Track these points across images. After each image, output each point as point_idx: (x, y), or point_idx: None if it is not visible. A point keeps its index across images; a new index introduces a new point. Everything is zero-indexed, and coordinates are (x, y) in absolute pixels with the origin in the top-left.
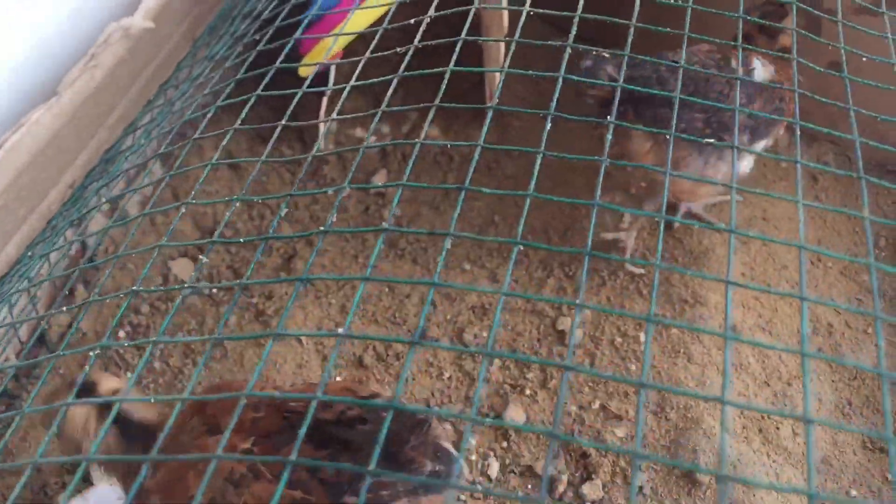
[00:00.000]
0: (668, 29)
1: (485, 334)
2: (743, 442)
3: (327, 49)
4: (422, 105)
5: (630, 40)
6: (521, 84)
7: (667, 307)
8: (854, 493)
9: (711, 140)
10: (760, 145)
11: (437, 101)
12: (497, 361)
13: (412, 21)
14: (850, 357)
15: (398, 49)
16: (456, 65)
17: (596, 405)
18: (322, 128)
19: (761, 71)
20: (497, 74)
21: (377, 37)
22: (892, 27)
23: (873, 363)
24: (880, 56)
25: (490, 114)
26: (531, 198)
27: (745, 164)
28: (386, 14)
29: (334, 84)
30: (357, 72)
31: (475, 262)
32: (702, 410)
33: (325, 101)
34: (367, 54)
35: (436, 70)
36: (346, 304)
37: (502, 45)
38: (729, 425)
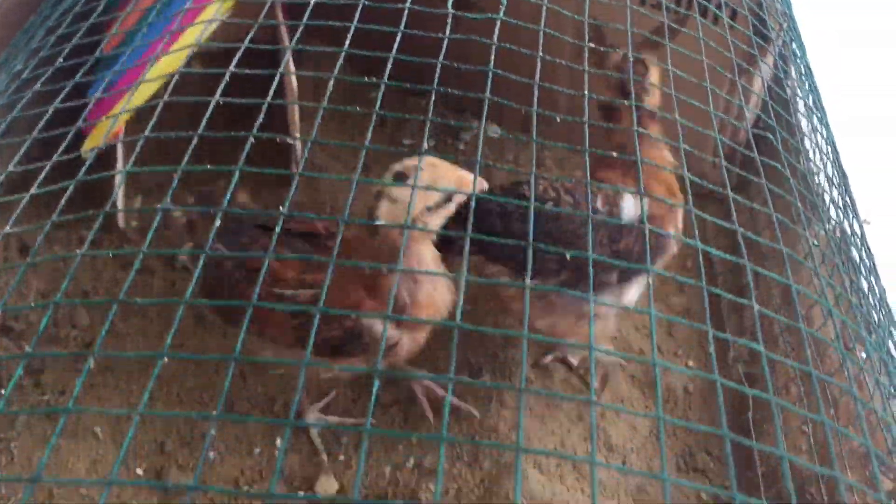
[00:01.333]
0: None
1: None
2: (557, 480)
3: (107, 130)
4: (220, 167)
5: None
6: (327, 128)
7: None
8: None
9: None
10: (632, 290)
11: (240, 164)
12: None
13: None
14: (661, 378)
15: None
16: (263, 127)
17: (410, 463)
18: (120, 204)
19: (631, 209)
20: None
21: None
22: None
23: (683, 384)
24: None
25: (296, 179)
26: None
27: (630, 297)
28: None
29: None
30: (136, 150)
31: None
32: (514, 454)
33: (117, 179)
34: (148, 133)
35: (239, 134)
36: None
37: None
38: (543, 465)
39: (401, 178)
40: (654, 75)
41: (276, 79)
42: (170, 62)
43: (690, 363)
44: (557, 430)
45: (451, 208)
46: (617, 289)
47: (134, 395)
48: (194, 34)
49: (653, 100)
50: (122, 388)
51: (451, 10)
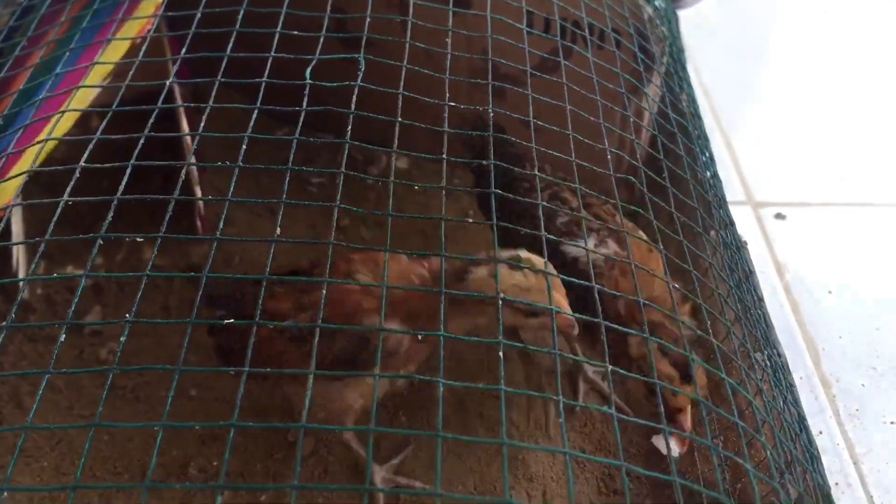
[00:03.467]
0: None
1: (215, 463)
2: None
3: None
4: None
5: None
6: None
7: None
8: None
9: None
10: None
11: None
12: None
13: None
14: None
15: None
16: (165, 183)
17: None
18: (21, 272)
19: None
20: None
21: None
22: None
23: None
24: None
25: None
26: None
27: None
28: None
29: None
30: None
31: (200, 386)
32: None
33: (14, 250)
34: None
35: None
36: (62, 465)
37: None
38: None
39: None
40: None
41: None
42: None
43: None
44: (476, 467)
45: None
46: None
47: (47, 472)
48: (84, 93)
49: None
50: (32, 466)
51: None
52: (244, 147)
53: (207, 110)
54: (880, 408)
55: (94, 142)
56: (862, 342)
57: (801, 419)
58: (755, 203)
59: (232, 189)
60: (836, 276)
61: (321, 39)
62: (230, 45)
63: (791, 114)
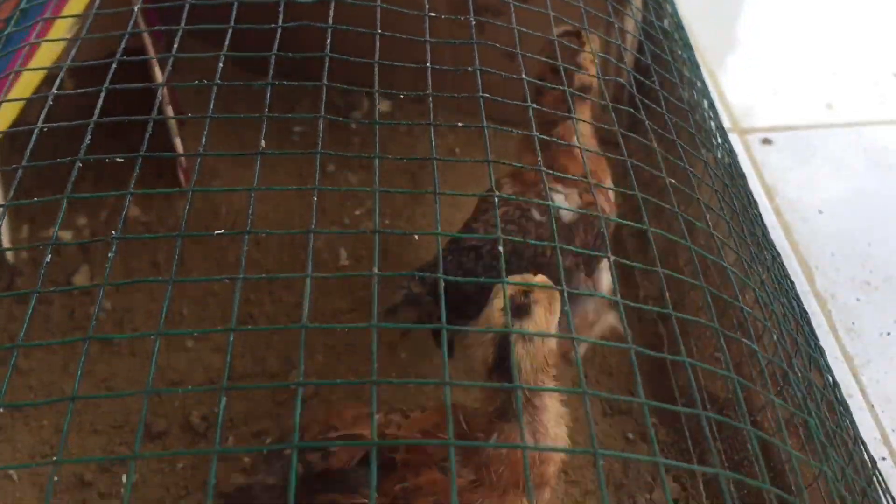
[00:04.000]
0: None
1: (215, 411)
2: None
3: None
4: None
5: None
6: (222, 133)
7: None
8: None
9: None
10: (603, 276)
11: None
12: (234, 434)
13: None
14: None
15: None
16: (147, 141)
17: None
18: (5, 238)
19: (566, 205)
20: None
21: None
22: None
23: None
24: None
25: (190, 195)
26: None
27: (606, 282)
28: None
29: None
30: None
31: (198, 338)
32: None
33: None
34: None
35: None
36: (61, 423)
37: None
38: None
39: (521, 311)
40: (587, 53)
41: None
42: (28, 81)
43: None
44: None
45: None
46: (590, 282)
47: (46, 430)
48: (50, 50)
49: (584, 78)
50: (31, 426)
51: None
52: (213, 95)
53: (171, 61)
54: (877, 320)
55: (53, 99)
56: (854, 259)
57: (804, 315)
58: (741, 130)
59: (205, 140)
60: (826, 196)
61: None
62: None
63: (772, 39)
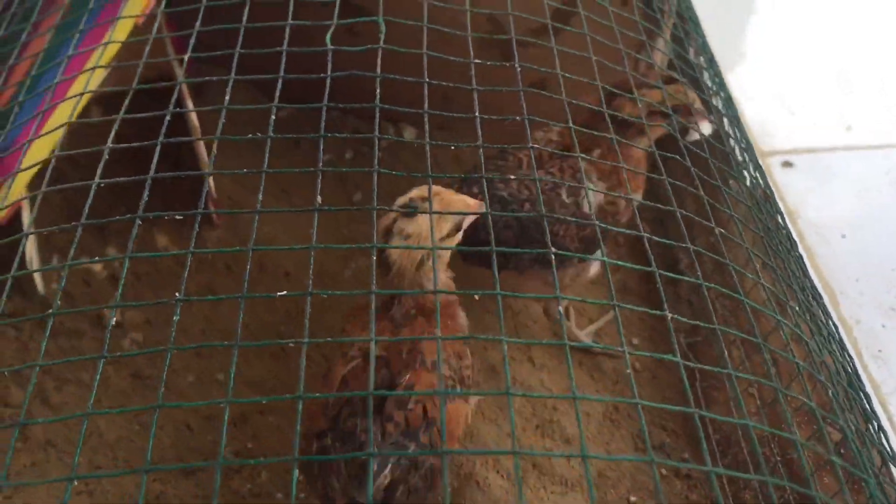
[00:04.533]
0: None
1: (250, 446)
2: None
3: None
4: (126, 217)
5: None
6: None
7: None
8: (633, 498)
9: None
10: (592, 266)
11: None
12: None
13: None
14: (608, 366)
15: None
16: (173, 167)
17: None
18: (37, 276)
19: (592, 196)
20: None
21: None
22: None
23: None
24: None
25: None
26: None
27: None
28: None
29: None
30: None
31: (228, 371)
32: (474, 463)
33: (28, 242)
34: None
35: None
36: (94, 458)
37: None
38: (502, 469)
39: (411, 209)
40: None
41: (174, 116)
42: (61, 112)
43: (635, 341)
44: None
45: (459, 237)
46: (580, 267)
47: (80, 468)
48: (81, 83)
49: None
50: (63, 461)
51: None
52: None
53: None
54: None
55: (113, 125)
56: (879, 283)
57: (848, 368)
58: (762, 153)
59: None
60: (848, 220)
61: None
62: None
63: (787, 62)
